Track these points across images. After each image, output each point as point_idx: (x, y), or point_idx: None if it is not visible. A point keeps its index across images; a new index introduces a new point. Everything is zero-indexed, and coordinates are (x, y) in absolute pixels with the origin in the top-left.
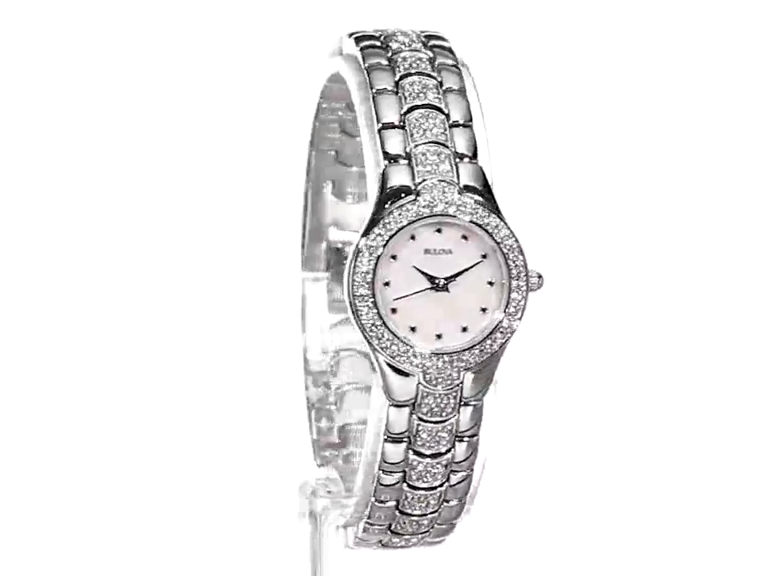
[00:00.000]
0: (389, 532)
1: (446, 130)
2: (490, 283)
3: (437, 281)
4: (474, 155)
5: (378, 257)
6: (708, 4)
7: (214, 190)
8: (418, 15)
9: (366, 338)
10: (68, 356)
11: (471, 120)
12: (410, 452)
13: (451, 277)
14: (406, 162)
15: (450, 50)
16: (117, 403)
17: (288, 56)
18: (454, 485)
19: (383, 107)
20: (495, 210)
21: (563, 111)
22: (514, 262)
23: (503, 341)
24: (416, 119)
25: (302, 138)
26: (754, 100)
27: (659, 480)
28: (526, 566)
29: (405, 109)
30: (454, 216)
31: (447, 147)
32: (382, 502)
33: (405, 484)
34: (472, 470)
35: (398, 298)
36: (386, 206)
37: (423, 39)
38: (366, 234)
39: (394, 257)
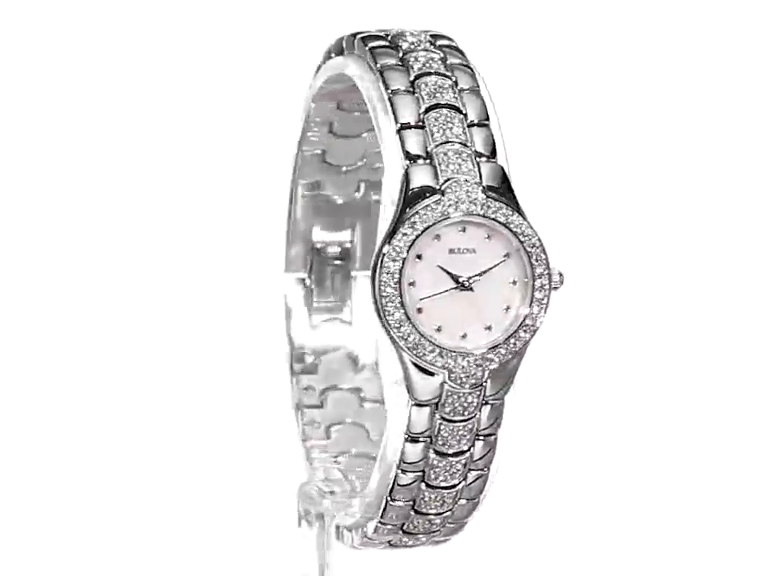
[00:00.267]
0: (400, 531)
1: (464, 129)
2: (513, 282)
3: (461, 280)
4: (492, 154)
5: (405, 257)
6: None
7: (198, 189)
8: (396, 16)
9: (392, 337)
10: (46, 355)
11: (488, 119)
12: (431, 451)
13: (475, 276)
14: (428, 161)
15: (459, 50)
16: (101, 405)
17: (273, 55)
18: (470, 483)
19: (400, 107)
20: (517, 208)
21: (560, 111)
22: (537, 260)
23: (527, 339)
24: (435, 119)
25: (289, 138)
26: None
27: (666, 480)
28: (526, 566)
29: (423, 108)
30: (480, 215)
31: (468, 147)
32: (397, 501)
33: (423, 483)
34: (488, 468)
35: (423, 298)
36: (411, 205)
37: (430, 39)
38: (392, 234)
39: (419, 256)
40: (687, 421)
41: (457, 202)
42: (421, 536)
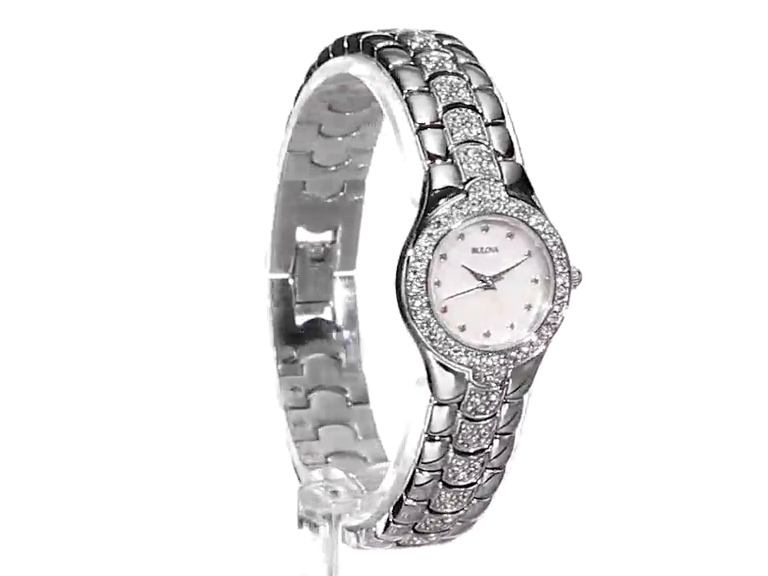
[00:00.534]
0: (411, 531)
1: (483, 128)
2: (535, 281)
3: (484, 279)
4: (509, 153)
5: (431, 257)
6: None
7: (182, 188)
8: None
9: (418, 336)
10: (25, 353)
11: (503, 118)
12: (450, 450)
13: (498, 275)
14: (449, 161)
15: (467, 49)
16: (89, 410)
17: (259, 55)
18: (484, 482)
19: (418, 107)
20: (538, 207)
21: (559, 110)
22: (558, 258)
23: (548, 338)
24: (453, 118)
25: (273, 138)
26: None
27: (667, 480)
28: (526, 566)
29: (441, 108)
30: (504, 214)
31: (487, 146)
32: (412, 501)
33: (440, 483)
34: (503, 467)
35: (448, 297)
36: (436, 205)
37: (436, 38)
38: (417, 234)
39: (443, 256)
40: (694, 423)
41: (481, 201)
42: (432, 535)
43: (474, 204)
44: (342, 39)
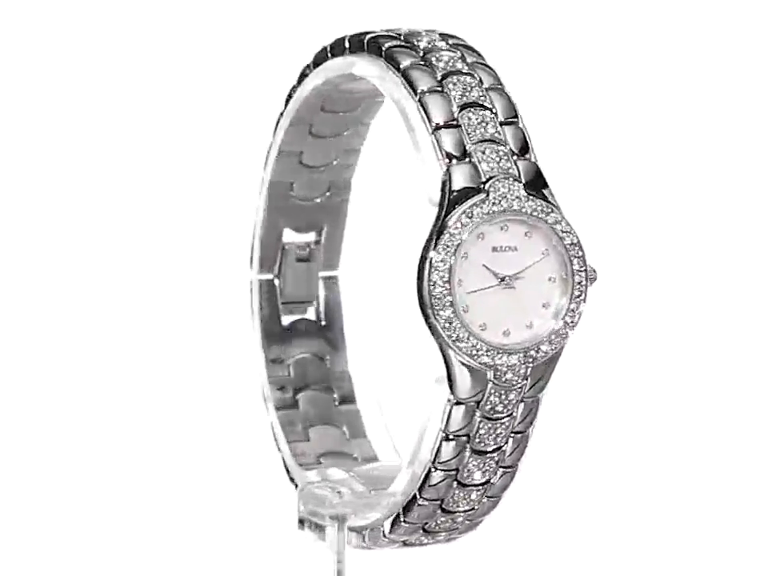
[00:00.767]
0: (421, 530)
1: (498, 127)
2: (552, 279)
3: (504, 278)
4: (523, 152)
5: (454, 256)
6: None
7: (167, 190)
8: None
9: (440, 335)
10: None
11: (516, 117)
12: (467, 450)
13: (517, 273)
14: (467, 160)
15: (474, 49)
16: (79, 414)
17: (248, 56)
18: (497, 481)
19: (432, 107)
20: (555, 205)
21: (556, 110)
22: (575, 257)
23: (566, 337)
24: (470, 117)
25: (262, 139)
26: None
27: (669, 481)
28: (526, 566)
29: (456, 107)
30: (524, 213)
31: (503, 145)
32: (425, 500)
33: (455, 482)
34: (515, 466)
35: (470, 296)
36: (456, 205)
37: (441, 38)
38: (439, 234)
39: (464, 256)
40: (705, 423)
41: (501, 200)
42: (440, 534)
43: (494, 203)
44: (342, 39)
